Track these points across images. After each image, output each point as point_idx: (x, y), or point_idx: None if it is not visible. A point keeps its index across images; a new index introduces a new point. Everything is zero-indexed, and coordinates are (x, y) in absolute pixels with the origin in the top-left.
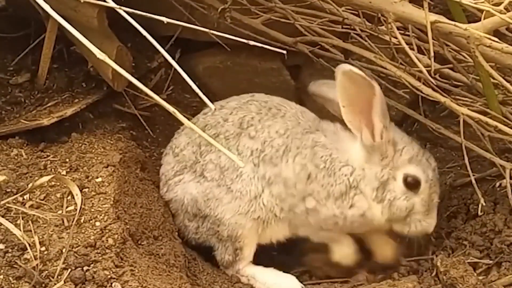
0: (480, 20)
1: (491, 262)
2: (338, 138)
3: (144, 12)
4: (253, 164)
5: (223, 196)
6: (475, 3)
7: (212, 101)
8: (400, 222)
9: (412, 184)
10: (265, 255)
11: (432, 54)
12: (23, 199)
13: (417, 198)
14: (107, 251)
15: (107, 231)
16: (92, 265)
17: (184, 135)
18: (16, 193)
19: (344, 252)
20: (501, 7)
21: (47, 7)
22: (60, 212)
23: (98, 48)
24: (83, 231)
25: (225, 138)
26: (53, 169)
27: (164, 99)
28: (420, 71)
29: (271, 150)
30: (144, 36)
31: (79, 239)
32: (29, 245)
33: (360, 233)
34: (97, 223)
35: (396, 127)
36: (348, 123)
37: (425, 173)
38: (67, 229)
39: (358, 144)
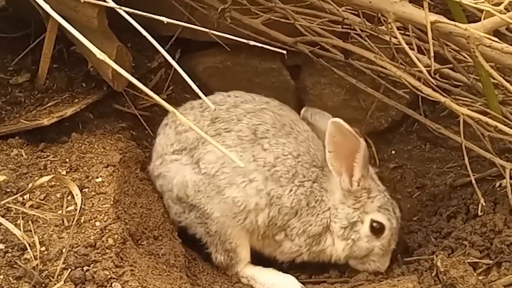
0: (480, 20)
1: (491, 262)
2: (331, 180)
3: (144, 12)
4: (265, 176)
5: (214, 195)
6: (475, 3)
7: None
8: (356, 260)
9: (376, 230)
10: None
11: (432, 54)
12: (23, 199)
13: (378, 243)
14: (107, 251)
15: (107, 231)
16: (92, 265)
17: (192, 115)
18: (16, 193)
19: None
20: (501, 7)
21: (47, 7)
22: (60, 212)
23: (98, 48)
24: (83, 231)
25: (238, 137)
26: (53, 169)
27: (164, 99)
28: (420, 71)
29: (282, 169)
30: (144, 36)
31: (79, 239)
32: (29, 245)
33: None
34: (97, 223)
35: (372, 175)
36: (331, 166)
37: (390, 222)
38: (67, 229)
39: (336, 185)
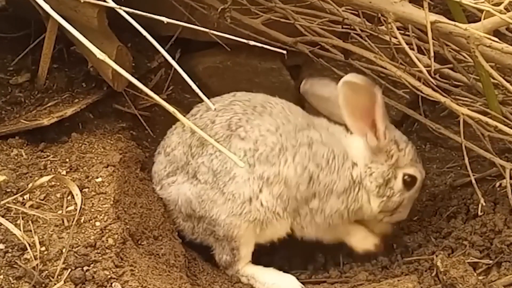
0: (480, 20)
1: (491, 262)
2: (331, 133)
3: (144, 12)
4: (248, 164)
5: (217, 197)
6: (475, 3)
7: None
8: (387, 213)
9: (408, 183)
10: (265, 255)
11: (432, 54)
12: (23, 199)
13: (407, 194)
14: (107, 251)
15: (107, 231)
16: (92, 265)
17: (176, 135)
18: (16, 193)
19: (362, 240)
20: (501, 7)
21: (47, 7)
22: (60, 212)
23: (98, 48)
24: (83, 231)
25: (216, 141)
26: (53, 169)
27: (164, 99)
28: (420, 71)
29: (265, 149)
30: (144, 36)
31: (79, 239)
32: (29, 245)
33: None
34: (97, 223)
35: (392, 125)
36: (352, 128)
37: (420, 173)
38: (67, 229)
39: (360, 143)
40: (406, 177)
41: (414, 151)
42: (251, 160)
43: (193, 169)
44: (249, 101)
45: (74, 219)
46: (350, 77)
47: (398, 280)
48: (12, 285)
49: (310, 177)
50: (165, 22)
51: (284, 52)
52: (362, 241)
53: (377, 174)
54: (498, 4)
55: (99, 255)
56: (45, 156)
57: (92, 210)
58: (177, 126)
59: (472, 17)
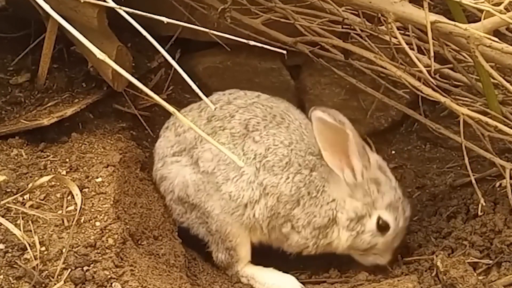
0: (480, 20)
1: (491, 262)
2: (330, 170)
3: (144, 12)
4: (256, 168)
5: (213, 193)
6: (475, 3)
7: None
8: (357, 251)
9: (382, 227)
10: (265, 255)
11: (432, 54)
12: (23, 199)
13: (381, 239)
14: (107, 251)
15: (107, 231)
16: (92, 265)
17: (190, 117)
18: (16, 193)
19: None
20: (501, 7)
21: (47, 7)
22: (60, 212)
23: (98, 48)
24: (83, 231)
25: (231, 135)
26: (53, 169)
27: (164, 99)
28: (420, 71)
29: (274, 158)
30: (144, 36)
31: (79, 239)
32: (29, 245)
33: None
34: (97, 223)
35: (387, 167)
36: (330, 164)
37: (396, 221)
38: (67, 229)
39: (339, 178)
40: (380, 221)
41: (398, 199)
42: (258, 165)
43: (196, 155)
44: (271, 109)
45: (74, 219)
46: (321, 113)
47: (398, 280)
48: (12, 285)
49: (298, 200)
50: (165, 22)
51: (284, 52)
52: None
53: (350, 208)
54: (498, 4)
55: (99, 255)
56: (45, 156)
57: (92, 210)
58: (193, 108)
59: (472, 17)
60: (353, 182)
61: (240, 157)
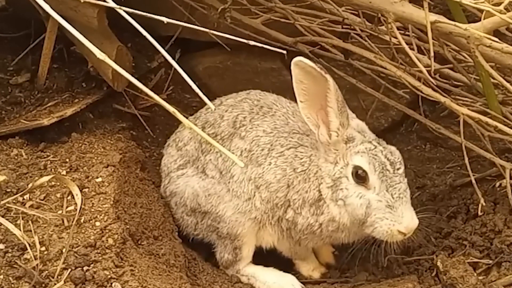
0: (480, 20)
1: (491, 262)
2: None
3: (144, 12)
4: (244, 164)
5: (224, 194)
6: (475, 3)
7: (211, 101)
8: (364, 223)
9: (360, 176)
10: (265, 255)
11: (432, 54)
12: (23, 199)
13: (371, 194)
14: (107, 251)
15: (107, 231)
16: (92, 265)
17: (188, 130)
18: (16, 193)
19: (310, 267)
20: (501, 7)
21: (47, 7)
22: (60, 212)
23: (98, 48)
24: (83, 231)
25: (222, 139)
26: (53, 169)
27: (164, 99)
28: (420, 71)
29: (257, 149)
30: (144, 36)
31: (79, 239)
32: (29, 245)
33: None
34: (97, 223)
35: (370, 132)
36: (306, 118)
37: (371, 164)
38: (67, 229)
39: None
40: (358, 170)
41: (370, 146)
42: (245, 161)
43: (202, 165)
44: (259, 101)
45: (74, 219)
46: (301, 58)
47: (398, 280)
48: (12, 285)
49: (287, 183)
50: (165, 22)
51: (284, 52)
52: (311, 271)
53: (325, 173)
54: (498, 4)
55: (99, 255)
56: (45, 156)
57: (92, 210)
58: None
59: (472, 17)
60: (327, 141)
61: (228, 158)
